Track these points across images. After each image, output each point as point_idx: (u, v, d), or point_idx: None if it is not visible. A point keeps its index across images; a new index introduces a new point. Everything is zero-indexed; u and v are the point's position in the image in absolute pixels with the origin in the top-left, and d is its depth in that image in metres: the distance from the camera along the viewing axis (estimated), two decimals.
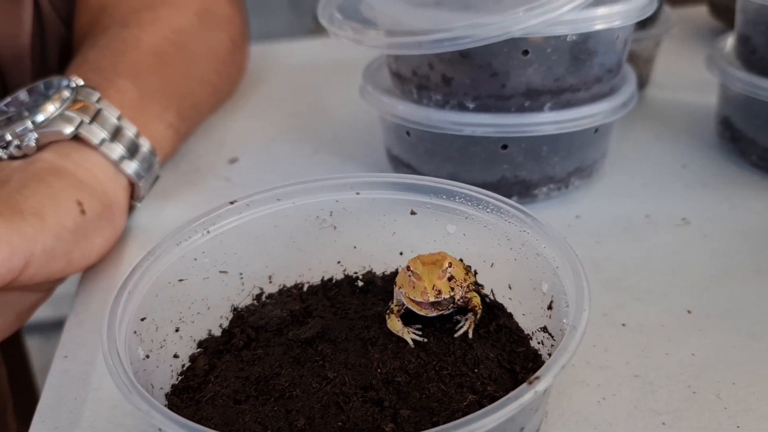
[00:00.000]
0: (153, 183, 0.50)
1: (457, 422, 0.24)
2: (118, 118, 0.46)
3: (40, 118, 0.44)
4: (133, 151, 0.47)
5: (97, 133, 0.45)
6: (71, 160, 0.44)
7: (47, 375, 0.40)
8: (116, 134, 0.46)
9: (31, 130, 0.43)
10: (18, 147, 0.43)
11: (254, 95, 0.70)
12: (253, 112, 0.67)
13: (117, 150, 0.46)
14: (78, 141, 0.45)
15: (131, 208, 0.49)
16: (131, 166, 0.47)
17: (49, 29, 0.58)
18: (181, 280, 0.35)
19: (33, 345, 0.86)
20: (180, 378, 0.34)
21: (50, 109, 0.44)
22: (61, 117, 0.44)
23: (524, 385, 0.25)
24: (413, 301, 0.33)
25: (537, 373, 0.25)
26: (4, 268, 0.37)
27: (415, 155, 0.50)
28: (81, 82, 0.47)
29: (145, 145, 0.48)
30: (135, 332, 0.32)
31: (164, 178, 0.55)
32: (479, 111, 0.46)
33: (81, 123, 0.44)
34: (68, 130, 0.44)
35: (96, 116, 0.45)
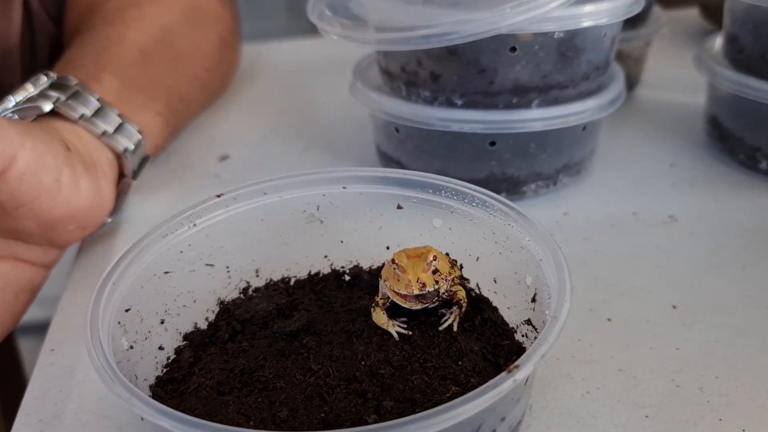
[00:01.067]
0: (143, 163, 0.49)
1: (436, 409, 0.24)
2: (99, 100, 0.46)
3: (18, 98, 0.44)
4: (116, 128, 0.46)
5: (76, 108, 0.45)
6: (54, 125, 0.44)
7: (33, 371, 0.40)
8: (97, 112, 0.46)
9: (10, 111, 0.43)
10: None
11: (246, 93, 0.70)
12: (245, 109, 0.67)
13: (99, 125, 0.45)
14: (59, 117, 0.45)
15: (124, 187, 0.48)
16: (116, 139, 0.46)
17: (39, 27, 0.58)
18: (167, 273, 0.35)
19: (26, 346, 0.85)
20: (165, 370, 0.34)
21: (29, 88, 0.45)
22: (40, 95, 0.45)
23: (504, 373, 0.25)
24: (398, 293, 0.34)
25: (516, 362, 0.26)
26: None
27: (405, 152, 0.50)
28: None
29: (129, 124, 0.47)
30: (119, 323, 0.32)
31: (154, 174, 0.55)
32: (467, 107, 0.46)
33: (58, 99, 0.44)
34: (47, 106, 0.44)
35: (74, 95, 0.45)
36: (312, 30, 0.50)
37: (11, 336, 0.76)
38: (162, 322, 0.35)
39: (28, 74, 0.57)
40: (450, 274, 0.34)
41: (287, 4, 1.83)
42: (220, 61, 0.63)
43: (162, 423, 0.25)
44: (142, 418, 0.28)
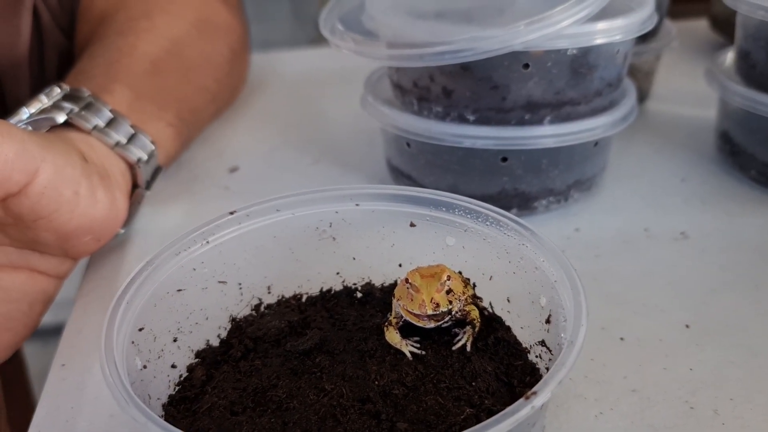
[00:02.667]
0: (155, 174, 0.49)
1: None
2: (111, 111, 0.46)
3: (32, 109, 0.45)
4: (129, 138, 0.47)
5: (89, 119, 0.45)
6: (69, 136, 0.44)
7: (44, 383, 0.40)
8: (110, 123, 0.46)
9: (24, 122, 0.44)
10: None
11: (255, 104, 0.70)
12: (254, 121, 0.68)
13: (112, 135, 0.46)
14: (72, 128, 0.45)
15: (137, 198, 0.48)
16: (129, 149, 0.46)
17: (49, 39, 0.58)
18: (179, 290, 0.35)
19: (30, 351, 0.85)
20: (177, 388, 0.34)
21: (42, 100, 0.45)
22: (53, 106, 0.45)
23: (521, 400, 0.25)
24: (411, 313, 0.33)
25: (534, 388, 0.25)
26: (19, 164, 0.36)
27: (416, 166, 0.50)
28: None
29: (142, 135, 0.48)
30: (133, 342, 0.31)
31: (164, 186, 0.55)
32: (479, 123, 0.46)
33: (72, 110, 0.45)
34: (61, 117, 0.44)
35: (87, 106, 0.46)
36: (318, 37, 0.50)
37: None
38: (175, 340, 0.35)
39: (37, 86, 0.57)
40: (464, 293, 0.34)
41: (293, 10, 1.84)
42: (230, 72, 0.63)
43: None
44: None
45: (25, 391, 0.80)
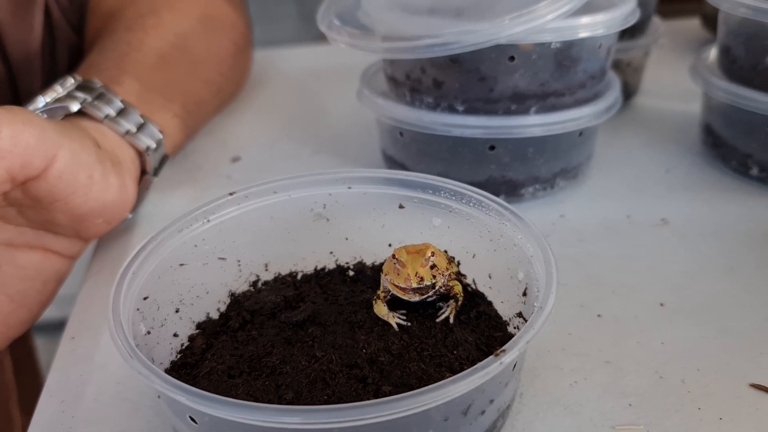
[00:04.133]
0: (163, 161, 0.52)
1: (428, 387, 0.26)
2: (122, 101, 0.49)
3: (47, 98, 0.47)
4: (139, 127, 0.49)
5: (102, 108, 0.48)
6: (82, 124, 0.47)
7: (54, 357, 0.42)
8: (121, 113, 0.48)
9: (40, 110, 0.46)
10: None
11: (257, 98, 0.73)
12: (256, 114, 0.70)
13: (123, 124, 0.48)
14: (85, 116, 0.48)
15: (146, 184, 0.50)
16: (139, 138, 0.49)
17: (59, 35, 0.61)
18: (182, 265, 0.38)
19: (39, 345, 0.87)
20: (179, 355, 0.37)
21: (57, 89, 0.48)
22: (67, 96, 0.48)
23: (491, 357, 0.27)
24: (397, 286, 0.36)
25: (504, 347, 0.28)
26: (39, 149, 0.39)
27: (408, 155, 0.53)
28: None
29: (151, 124, 0.50)
30: (138, 309, 0.34)
31: (169, 174, 0.57)
32: (468, 113, 0.49)
33: (85, 100, 0.47)
34: (74, 106, 0.47)
35: (99, 96, 0.48)
36: (323, 37, 0.52)
37: (28, 332, 0.78)
38: (177, 311, 0.38)
39: (48, 80, 0.60)
40: (447, 269, 0.37)
41: (298, 10, 1.86)
42: (233, 66, 0.65)
43: (179, 397, 0.27)
44: (159, 397, 0.30)
45: (35, 381, 0.82)
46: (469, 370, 0.27)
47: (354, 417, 0.26)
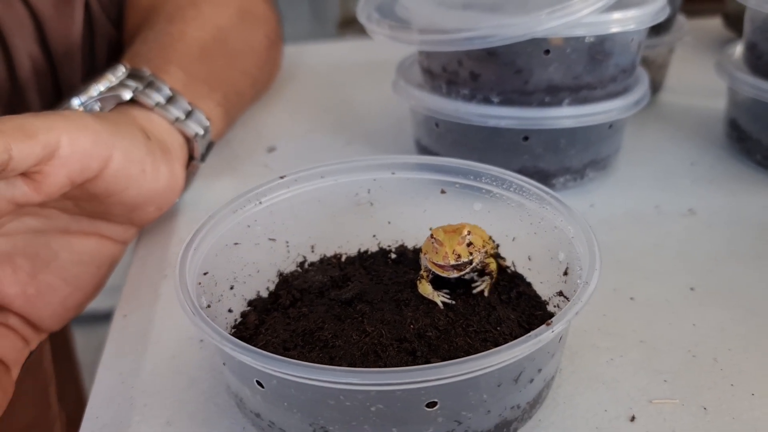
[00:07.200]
0: (209, 148, 0.54)
1: (487, 352, 0.28)
2: (171, 89, 0.51)
3: (101, 87, 0.49)
4: (187, 114, 0.51)
5: (152, 96, 0.50)
6: (132, 114, 0.49)
7: (108, 334, 0.44)
8: (170, 100, 0.50)
9: (94, 99, 0.48)
10: None
11: (288, 91, 0.75)
12: (288, 106, 0.72)
13: (173, 111, 0.50)
14: (136, 104, 0.49)
15: (193, 170, 0.52)
16: (187, 124, 0.51)
17: (98, 29, 0.63)
18: (236, 244, 0.40)
19: (78, 338, 0.88)
20: (233, 330, 0.39)
21: (110, 78, 0.50)
22: (120, 85, 0.50)
23: (543, 326, 0.29)
24: (436, 264, 0.37)
25: (554, 318, 0.29)
26: (95, 153, 0.41)
27: (443, 145, 0.54)
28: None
29: (198, 111, 0.52)
30: (200, 283, 0.36)
31: (208, 163, 0.59)
32: (503, 105, 0.50)
33: (136, 88, 0.49)
34: (127, 94, 0.49)
35: (150, 84, 0.50)
36: (336, 35, 0.54)
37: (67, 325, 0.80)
38: (231, 288, 0.40)
39: (88, 73, 0.62)
40: (483, 246, 0.38)
41: (312, 10, 1.88)
42: (267, 59, 0.67)
43: (251, 361, 0.29)
44: (224, 364, 0.32)
45: (71, 369, 0.83)
46: (523, 337, 0.29)
47: (425, 378, 0.27)
